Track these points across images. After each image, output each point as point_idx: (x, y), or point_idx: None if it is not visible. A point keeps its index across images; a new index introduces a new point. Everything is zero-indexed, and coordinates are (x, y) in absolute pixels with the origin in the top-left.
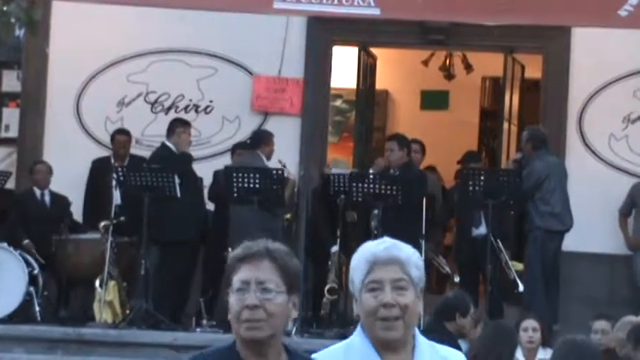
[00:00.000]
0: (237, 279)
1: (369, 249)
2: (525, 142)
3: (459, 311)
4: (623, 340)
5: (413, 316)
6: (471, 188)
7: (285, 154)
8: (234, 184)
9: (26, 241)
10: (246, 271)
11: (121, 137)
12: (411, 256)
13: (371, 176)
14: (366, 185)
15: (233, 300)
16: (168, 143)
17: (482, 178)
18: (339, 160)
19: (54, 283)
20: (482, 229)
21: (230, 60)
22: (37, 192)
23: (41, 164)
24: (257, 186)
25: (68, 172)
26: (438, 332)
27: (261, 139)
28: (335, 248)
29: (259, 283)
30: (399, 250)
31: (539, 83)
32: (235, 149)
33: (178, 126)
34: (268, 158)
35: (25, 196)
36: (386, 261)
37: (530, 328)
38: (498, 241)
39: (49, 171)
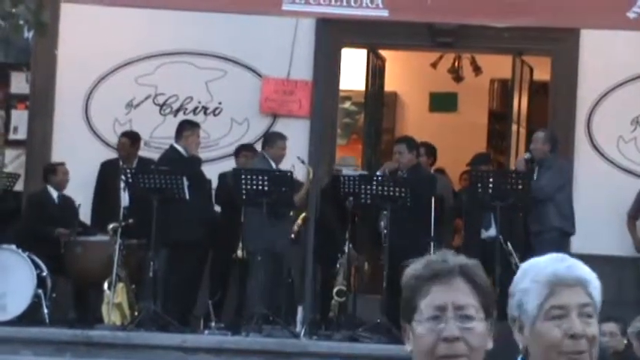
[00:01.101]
0: (428, 304)
1: (548, 266)
2: (544, 142)
3: None
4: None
5: (597, 351)
6: (480, 190)
7: (294, 156)
8: (243, 187)
9: (60, 230)
10: (440, 293)
11: (123, 140)
12: (592, 275)
13: (380, 178)
14: (374, 187)
15: (423, 330)
16: (176, 145)
17: (491, 180)
18: (347, 158)
19: (62, 286)
20: (492, 232)
21: (239, 62)
22: (54, 193)
23: (62, 166)
24: (266, 188)
25: (77, 174)
26: None
27: (265, 141)
28: (345, 249)
29: (458, 308)
30: (582, 269)
31: (547, 85)
32: (240, 151)
33: (186, 129)
34: (275, 160)
35: (42, 197)
36: (571, 282)
37: None
38: (508, 243)
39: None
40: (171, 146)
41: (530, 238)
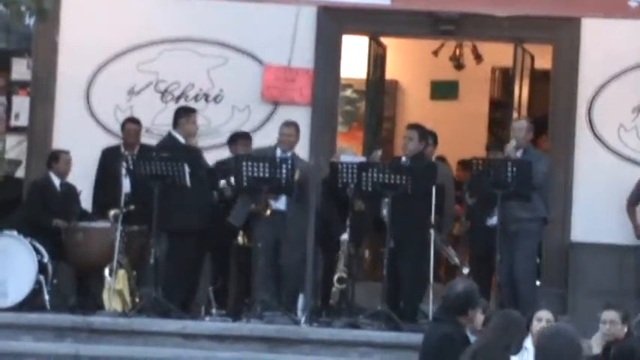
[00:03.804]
0: None
1: None
2: (528, 131)
3: (471, 306)
4: None
5: None
6: (481, 179)
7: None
8: (244, 173)
9: (57, 220)
10: None
11: (131, 126)
12: None
13: (381, 166)
14: (375, 175)
15: None
16: (174, 133)
17: (491, 168)
18: (345, 148)
19: (63, 272)
20: (495, 219)
21: (240, 49)
22: (56, 181)
23: (66, 154)
24: (267, 175)
25: (78, 160)
26: (447, 322)
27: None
28: (344, 237)
29: None
30: None
31: (548, 74)
32: (237, 139)
33: (181, 116)
34: (280, 147)
35: (44, 184)
36: None
37: (544, 318)
38: None
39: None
40: (169, 133)
41: (509, 224)
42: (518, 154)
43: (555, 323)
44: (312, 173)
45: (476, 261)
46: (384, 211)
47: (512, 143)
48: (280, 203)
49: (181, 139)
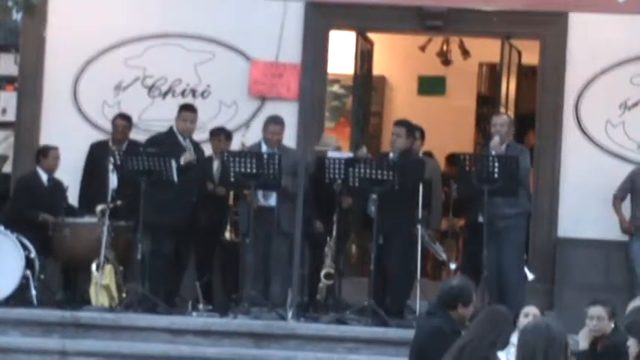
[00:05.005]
0: None
1: None
2: (509, 125)
3: (462, 301)
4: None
5: None
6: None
7: (283, 139)
8: (232, 170)
9: (44, 215)
10: None
11: (120, 122)
12: None
13: (368, 161)
14: (362, 170)
15: None
16: (174, 129)
17: (477, 164)
18: (327, 137)
19: (50, 267)
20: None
21: (227, 45)
22: (44, 176)
23: (54, 150)
24: (254, 171)
25: (65, 155)
26: (441, 317)
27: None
28: (332, 234)
29: None
30: None
31: (536, 69)
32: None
33: (177, 112)
34: (268, 145)
35: (31, 179)
36: None
37: (531, 314)
38: None
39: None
40: (170, 128)
41: (497, 221)
42: (502, 148)
43: (538, 318)
44: (300, 163)
45: (470, 256)
46: (372, 207)
47: (496, 139)
48: (271, 199)
49: (179, 136)
